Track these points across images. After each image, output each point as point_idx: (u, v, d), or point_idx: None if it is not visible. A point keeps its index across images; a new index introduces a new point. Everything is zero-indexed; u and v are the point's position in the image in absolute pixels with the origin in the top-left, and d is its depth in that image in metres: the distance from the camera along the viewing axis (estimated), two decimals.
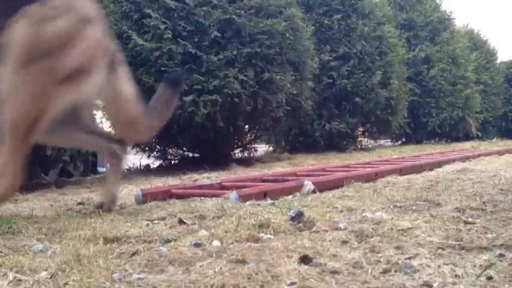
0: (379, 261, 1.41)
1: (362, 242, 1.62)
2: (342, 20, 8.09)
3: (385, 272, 1.33)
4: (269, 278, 1.24)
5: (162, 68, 4.85)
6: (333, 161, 5.84)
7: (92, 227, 1.91)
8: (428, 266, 1.35)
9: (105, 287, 1.22)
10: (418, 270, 1.32)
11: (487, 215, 2.05)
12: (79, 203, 2.95)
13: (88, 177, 4.89)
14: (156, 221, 2.12)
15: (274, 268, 1.31)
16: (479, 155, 5.90)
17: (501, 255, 1.44)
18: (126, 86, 2.37)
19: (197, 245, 1.60)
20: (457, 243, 1.58)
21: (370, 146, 9.43)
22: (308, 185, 2.95)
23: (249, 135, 6.40)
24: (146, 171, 5.21)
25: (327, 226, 1.85)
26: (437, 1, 12.40)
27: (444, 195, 2.56)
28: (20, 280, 1.28)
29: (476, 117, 12.69)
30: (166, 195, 2.90)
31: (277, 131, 6.47)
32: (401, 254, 1.48)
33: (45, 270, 1.35)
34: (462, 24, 15.99)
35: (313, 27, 7.41)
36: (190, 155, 5.95)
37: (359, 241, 1.64)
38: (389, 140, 11.97)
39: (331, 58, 7.89)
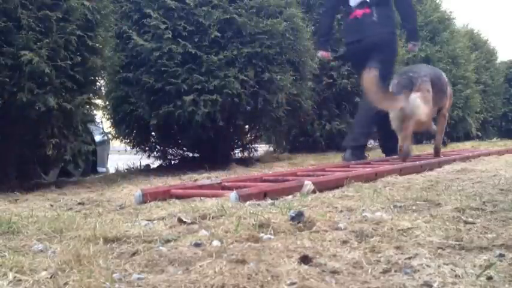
0: (379, 261, 1.41)
1: (362, 242, 1.62)
2: (342, 20, 8.08)
3: (385, 272, 1.33)
4: (269, 278, 1.24)
5: (162, 68, 4.85)
6: (333, 161, 5.83)
7: (92, 227, 1.91)
8: (428, 266, 1.35)
9: (105, 287, 1.22)
10: (418, 270, 1.32)
11: (487, 215, 2.05)
12: (79, 203, 2.95)
13: (88, 177, 4.89)
14: (156, 221, 2.11)
15: (274, 268, 1.31)
16: (479, 155, 5.89)
17: (501, 255, 1.44)
18: None
19: (197, 245, 1.59)
20: (457, 243, 1.58)
21: (370, 146, 9.41)
22: (308, 185, 2.95)
23: (249, 135, 6.40)
24: (146, 171, 5.21)
25: (327, 226, 1.85)
26: (437, 1, 12.38)
27: (444, 195, 2.56)
28: (20, 280, 1.28)
29: (476, 117, 12.67)
30: (166, 195, 2.89)
31: (277, 131, 6.47)
32: (401, 254, 1.48)
33: (45, 270, 1.35)
34: (462, 24, 15.95)
35: (313, 27, 7.40)
36: (190, 155, 5.95)
37: (359, 241, 1.64)
38: None
39: (331, 58, 7.88)
